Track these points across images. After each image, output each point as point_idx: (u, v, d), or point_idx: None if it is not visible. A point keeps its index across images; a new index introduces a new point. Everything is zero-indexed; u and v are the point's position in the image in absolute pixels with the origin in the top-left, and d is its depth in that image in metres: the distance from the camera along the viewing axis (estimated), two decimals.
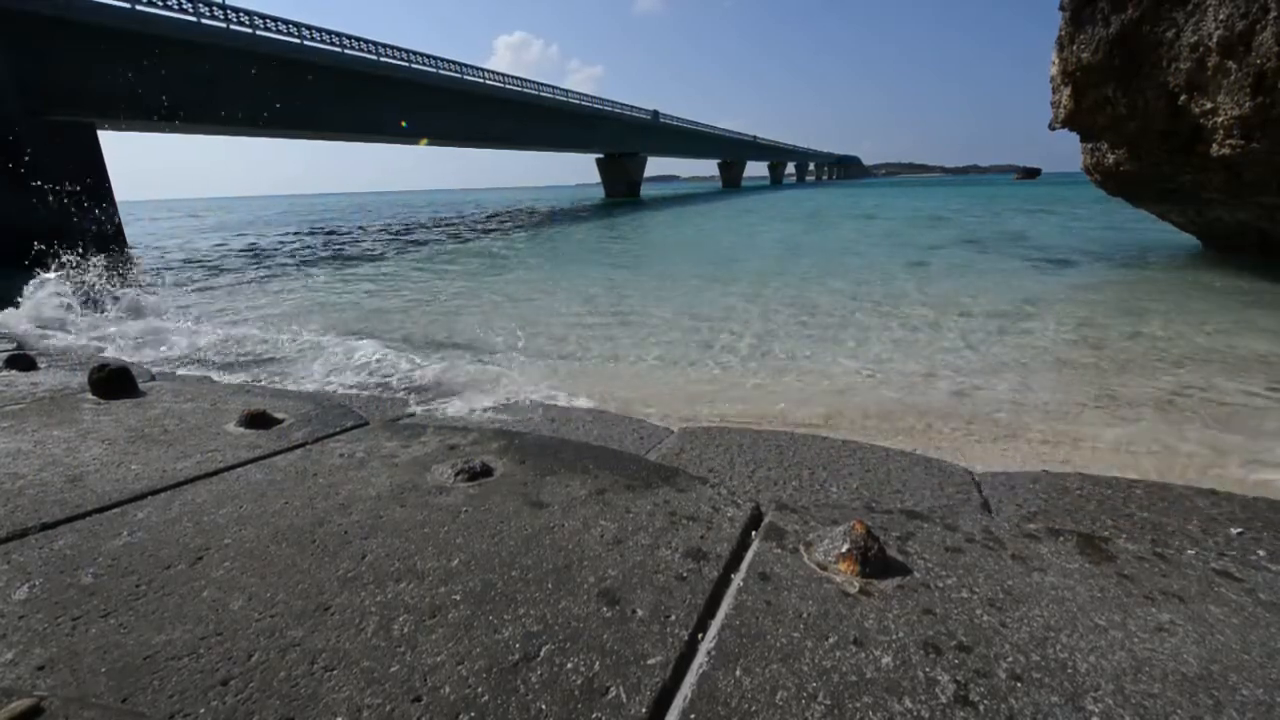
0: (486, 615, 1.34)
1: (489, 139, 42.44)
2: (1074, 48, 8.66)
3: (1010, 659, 1.20)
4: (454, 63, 35.56)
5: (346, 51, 28.52)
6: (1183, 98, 7.78)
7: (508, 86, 40.41)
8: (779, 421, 3.79)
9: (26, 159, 17.61)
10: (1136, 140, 8.95)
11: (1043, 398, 4.31)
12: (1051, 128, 10.02)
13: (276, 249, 19.76)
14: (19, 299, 6.75)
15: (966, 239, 16.06)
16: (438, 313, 8.12)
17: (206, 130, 28.67)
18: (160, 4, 21.14)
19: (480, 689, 1.13)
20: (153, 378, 3.89)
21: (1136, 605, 1.36)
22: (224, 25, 23.34)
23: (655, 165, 79.00)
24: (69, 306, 6.66)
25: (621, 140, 58.01)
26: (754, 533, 1.72)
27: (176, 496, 1.94)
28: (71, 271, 7.31)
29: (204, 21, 22.48)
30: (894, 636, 1.26)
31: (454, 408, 3.32)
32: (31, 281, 6.87)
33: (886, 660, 1.19)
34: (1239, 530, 1.94)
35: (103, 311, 6.91)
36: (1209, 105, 7.49)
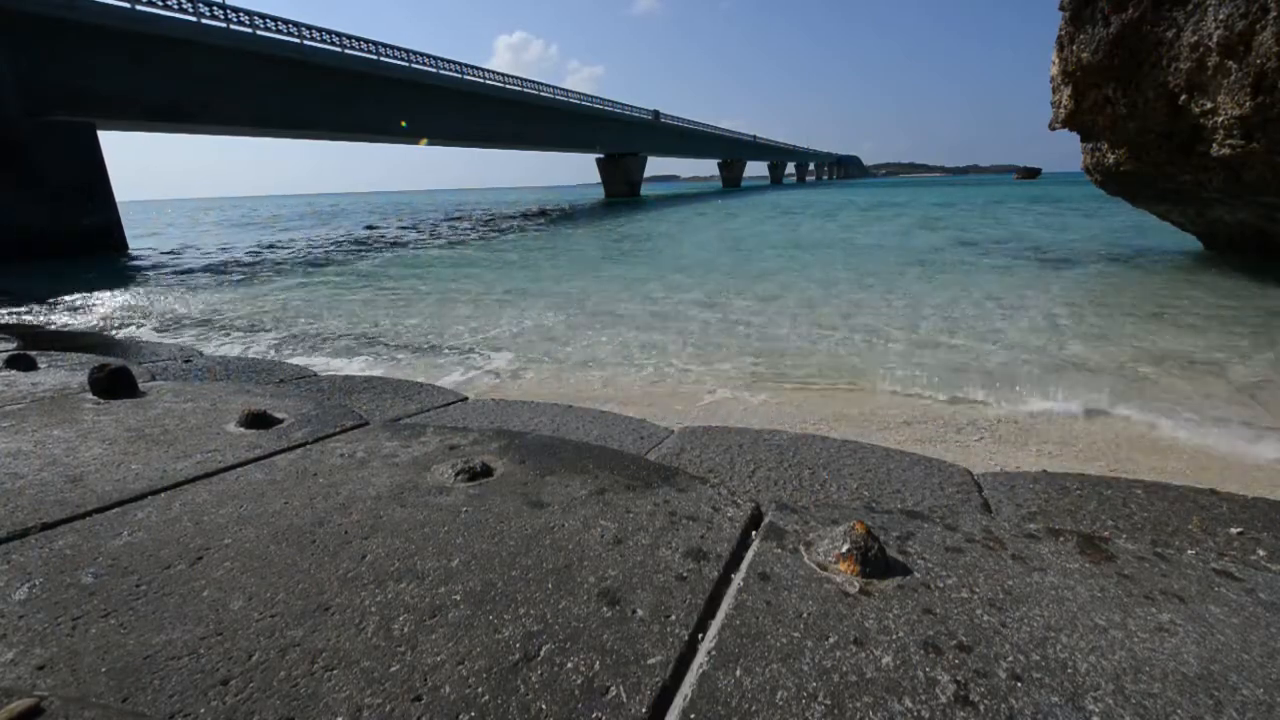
0: (486, 615, 1.34)
1: (490, 139, 42.46)
2: (1074, 48, 8.65)
3: (1010, 659, 1.20)
4: (454, 63, 35.59)
5: (347, 51, 28.53)
6: (1183, 98, 7.78)
7: (508, 87, 40.42)
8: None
9: (26, 159, 17.62)
10: (1136, 140, 8.95)
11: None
12: (1051, 128, 10.02)
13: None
14: None
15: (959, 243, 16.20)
16: None
17: (206, 130, 28.68)
18: (160, 4, 21.14)
19: (480, 689, 1.13)
20: (153, 377, 3.90)
21: (1136, 605, 1.36)
22: (224, 25, 23.35)
23: (655, 165, 79.08)
24: None
25: (622, 140, 58.03)
26: (754, 533, 1.72)
27: (177, 496, 1.94)
28: None
29: (204, 21, 22.49)
30: (894, 636, 1.26)
31: None
32: None
33: (887, 660, 1.19)
34: (1239, 530, 1.94)
35: None
36: (1209, 105, 7.49)
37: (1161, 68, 7.85)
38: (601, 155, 61.85)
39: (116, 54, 19.89)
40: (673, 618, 1.33)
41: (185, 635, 1.27)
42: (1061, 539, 1.66)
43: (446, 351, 6.16)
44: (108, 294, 10.76)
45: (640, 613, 1.35)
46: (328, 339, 6.86)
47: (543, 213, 37.16)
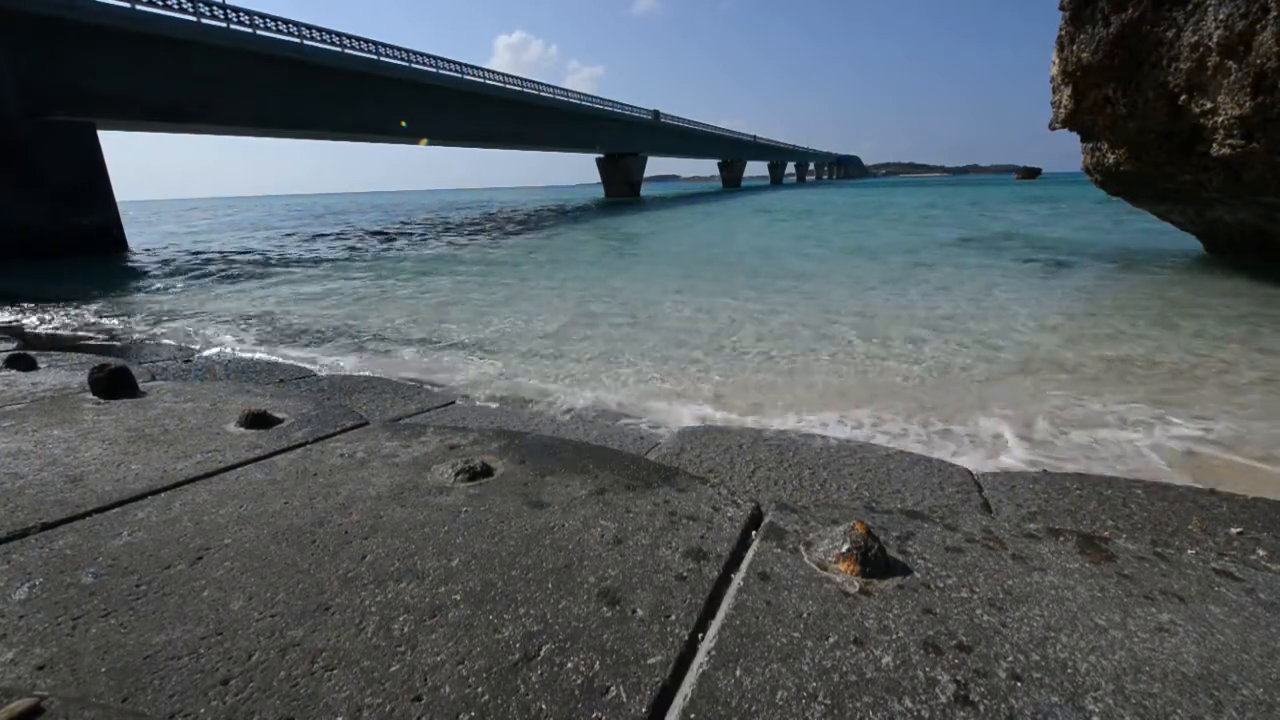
0: (486, 615, 1.34)
1: (490, 139, 42.44)
2: (1074, 48, 8.65)
3: (1010, 659, 1.20)
4: (454, 63, 35.57)
5: (347, 51, 28.51)
6: (1183, 98, 7.78)
7: (508, 87, 40.41)
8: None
9: (26, 159, 17.61)
10: (1136, 140, 8.94)
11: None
12: (1051, 128, 10.01)
13: None
14: None
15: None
16: None
17: (206, 130, 28.67)
18: (160, 4, 21.13)
19: (480, 689, 1.13)
20: (153, 377, 3.90)
21: (1136, 605, 1.36)
22: (224, 25, 23.35)
23: (655, 164, 79.13)
24: None
25: (622, 140, 58.01)
26: (754, 532, 1.72)
27: (177, 496, 1.94)
28: None
29: (204, 21, 22.48)
30: (894, 636, 1.26)
31: None
32: None
33: (887, 660, 1.19)
34: (1239, 530, 1.94)
35: None
36: (1209, 105, 7.49)
37: (1161, 68, 7.85)
38: (601, 155, 61.82)
39: (116, 54, 19.88)
40: (673, 618, 1.33)
41: (185, 635, 1.27)
42: (1061, 539, 1.66)
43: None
44: (107, 293, 10.75)
45: (640, 613, 1.35)
46: (327, 337, 6.86)
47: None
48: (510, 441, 2.43)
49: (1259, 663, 1.18)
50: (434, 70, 33.78)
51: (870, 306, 7.74)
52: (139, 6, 20.41)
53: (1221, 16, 6.94)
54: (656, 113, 64.83)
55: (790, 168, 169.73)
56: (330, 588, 1.44)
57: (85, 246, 18.59)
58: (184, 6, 21.88)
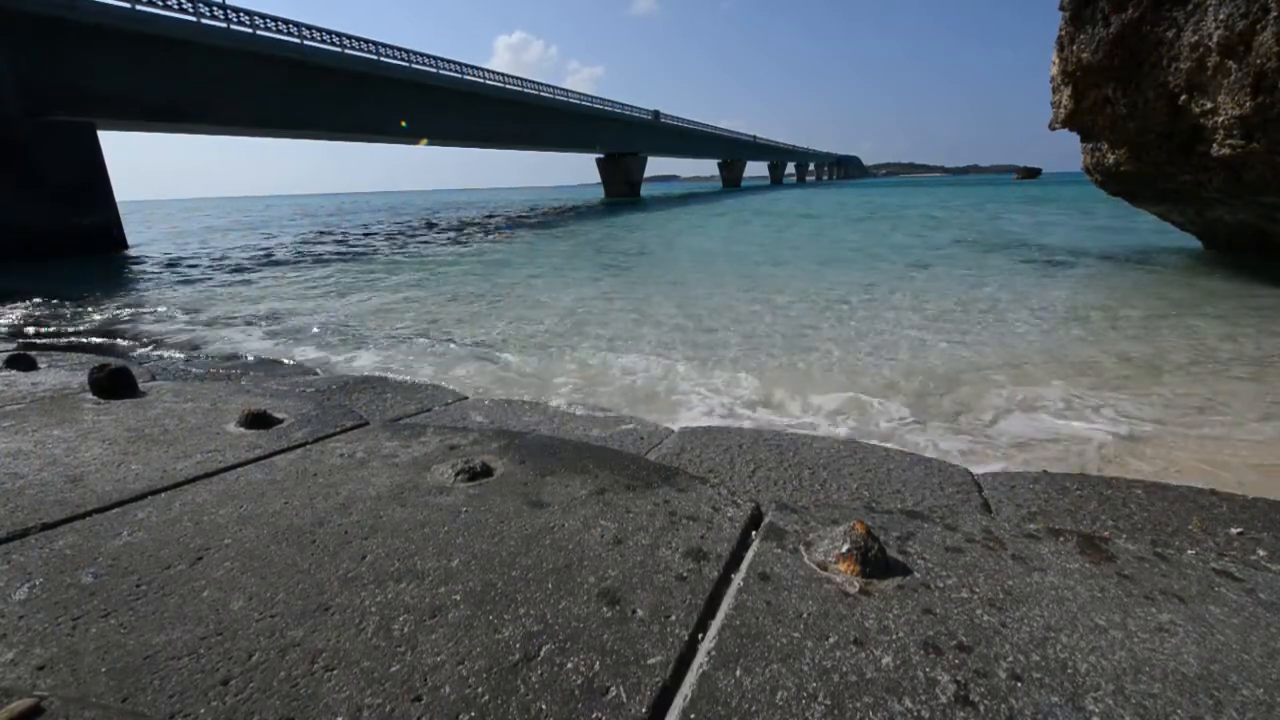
0: (486, 615, 1.34)
1: (490, 139, 42.44)
2: (1074, 48, 8.65)
3: (1010, 659, 1.20)
4: (454, 63, 35.58)
5: (347, 51, 28.51)
6: (1183, 98, 7.78)
7: (508, 87, 40.40)
8: None
9: (26, 159, 17.61)
10: (1136, 140, 8.94)
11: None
12: (1051, 128, 10.01)
13: None
14: None
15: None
16: None
17: (206, 130, 28.67)
18: (160, 4, 21.13)
19: (480, 689, 1.13)
20: (153, 377, 3.90)
21: (1136, 605, 1.36)
22: (224, 25, 23.35)
23: (655, 165, 79.14)
24: None
25: (622, 140, 58.01)
26: (754, 533, 1.72)
27: (177, 496, 1.94)
28: None
29: (204, 21, 22.48)
30: (894, 636, 1.26)
31: None
32: None
33: (887, 660, 1.19)
34: (1239, 530, 1.94)
35: None
36: (1209, 105, 7.49)
37: (1161, 68, 7.85)
38: (602, 155, 61.79)
39: (116, 54, 19.88)
40: (673, 618, 1.33)
41: (185, 635, 1.27)
42: (1061, 539, 1.66)
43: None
44: (108, 293, 10.75)
45: (640, 613, 1.35)
46: (327, 337, 6.87)
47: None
48: (510, 441, 2.43)
49: (1259, 663, 1.18)
50: (434, 70, 33.78)
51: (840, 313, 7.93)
52: (139, 6, 20.41)
53: (1221, 16, 6.94)
54: (656, 113, 64.82)
55: (790, 168, 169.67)
56: (330, 588, 1.44)
57: (85, 246, 18.60)
58: (184, 6, 21.88)
